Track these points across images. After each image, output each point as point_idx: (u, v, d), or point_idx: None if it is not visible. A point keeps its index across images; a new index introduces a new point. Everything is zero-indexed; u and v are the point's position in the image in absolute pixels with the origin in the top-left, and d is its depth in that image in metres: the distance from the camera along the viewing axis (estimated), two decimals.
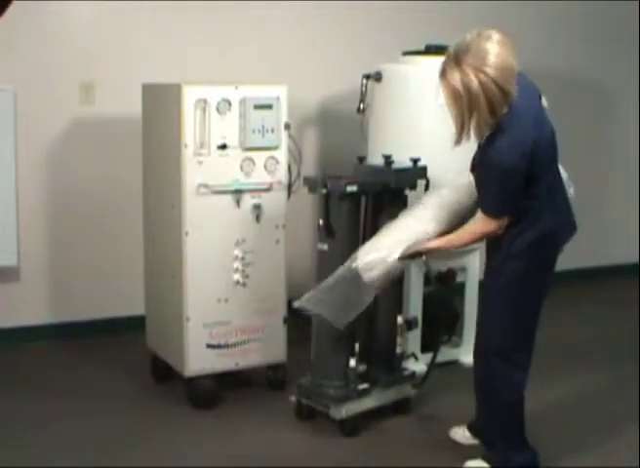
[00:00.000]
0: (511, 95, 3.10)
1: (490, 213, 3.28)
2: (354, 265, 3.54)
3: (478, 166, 3.28)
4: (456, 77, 3.09)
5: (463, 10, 5.54)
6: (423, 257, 3.61)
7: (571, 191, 3.48)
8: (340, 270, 3.59)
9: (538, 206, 3.24)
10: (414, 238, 3.52)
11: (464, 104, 3.11)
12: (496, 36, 3.12)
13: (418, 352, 4.41)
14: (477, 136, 3.21)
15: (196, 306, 4.02)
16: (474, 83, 3.06)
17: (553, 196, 3.27)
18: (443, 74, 3.15)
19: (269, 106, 4.03)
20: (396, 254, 3.50)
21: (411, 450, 3.73)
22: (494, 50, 3.07)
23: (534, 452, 3.49)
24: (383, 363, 3.98)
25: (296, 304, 3.66)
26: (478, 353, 3.50)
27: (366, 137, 4.68)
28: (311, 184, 3.89)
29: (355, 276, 3.53)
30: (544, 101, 3.40)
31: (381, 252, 3.53)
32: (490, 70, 3.05)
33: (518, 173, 3.15)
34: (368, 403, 3.90)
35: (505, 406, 3.44)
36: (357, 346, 3.81)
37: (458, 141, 3.21)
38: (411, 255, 3.53)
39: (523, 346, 3.40)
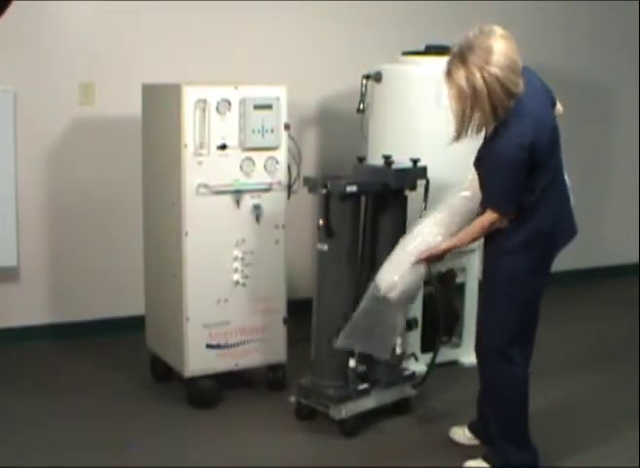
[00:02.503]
0: (514, 93, 3.11)
1: (493, 206, 3.28)
2: (377, 289, 3.56)
3: (481, 161, 3.28)
4: (461, 76, 3.10)
5: (463, 9, 5.54)
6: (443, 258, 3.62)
7: (572, 200, 3.47)
8: (365, 299, 3.62)
9: (532, 201, 3.23)
10: (424, 244, 3.53)
11: (468, 102, 3.12)
12: (499, 31, 3.13)
13: (418, 352, 4.41)
14: (477, 133, 3.22)
15: (196, 306, 4.02)
16: (479, 81, 3.07)
17: (550, 193, 3.26)
18: (449, 73, 3.15)
19: (269, 106, 4.03)
20: (413, 261, 3.52)
21: (411, 450, 3.73)
22: (498, 47, 3.08)
23: (534, 452, 3.48)
24: (383, 363, 3.97)
25: (335, 345, 3.70)
26: (478, 350, 3.51)
27: (366, 138, 4.68)
28: (311, 184, 3.88)
29: (382, 300, 3.56)
30: (559, 106, 3.40)
31: (399, 266, 3.56)
32: (494, 69, 3.06)
33: (519, 164, 3.14)
34: (368, 403, 3.90)
35: (507, 403, 3.45)
36: None
37: (457, 139, 3.23)
38: (427, 260, 3.54)
39: (521, 343, 3.39)
